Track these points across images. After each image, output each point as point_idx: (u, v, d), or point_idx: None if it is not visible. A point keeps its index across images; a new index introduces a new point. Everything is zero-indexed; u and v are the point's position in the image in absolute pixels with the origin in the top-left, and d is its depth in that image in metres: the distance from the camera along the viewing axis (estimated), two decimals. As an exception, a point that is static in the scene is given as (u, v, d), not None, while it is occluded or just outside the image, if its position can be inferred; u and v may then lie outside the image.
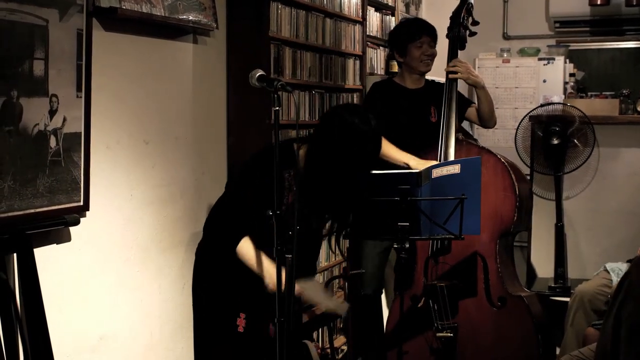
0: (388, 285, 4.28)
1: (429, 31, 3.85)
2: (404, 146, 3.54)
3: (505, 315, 3.41)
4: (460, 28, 3.70)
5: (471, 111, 3.88)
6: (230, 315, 2.75)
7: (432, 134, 3.82)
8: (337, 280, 4.27)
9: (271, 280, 2.59)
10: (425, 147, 3.63)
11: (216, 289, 2.79)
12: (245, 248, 2.67)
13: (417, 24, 4.04)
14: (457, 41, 3.71)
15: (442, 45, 3.81)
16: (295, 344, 3.10)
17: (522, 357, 3.42)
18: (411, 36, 3.81)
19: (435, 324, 3.36)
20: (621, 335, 2.53)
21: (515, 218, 3.43)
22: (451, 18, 3.74)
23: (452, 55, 3.70)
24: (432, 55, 3.84)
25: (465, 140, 3.64)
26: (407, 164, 3.42)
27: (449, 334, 3.33)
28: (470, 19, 3.75)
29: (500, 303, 3.42)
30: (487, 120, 3.86)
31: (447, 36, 3.75)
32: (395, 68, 4.71)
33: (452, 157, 3.50)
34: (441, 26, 3.86)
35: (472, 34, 3.77)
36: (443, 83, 3.99)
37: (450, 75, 3.66)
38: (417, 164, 3.42)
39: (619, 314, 2.55)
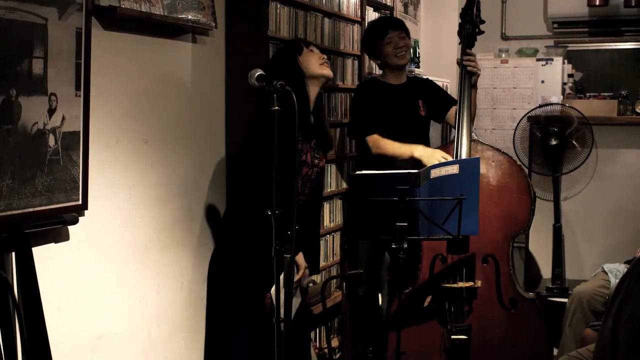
0: (384, 286, 4.27)
1: (394, 25, 3.86)
2: (397, 141, 3.57)
3: (515, 317, 3.41)
4: (473, 25, 3.68)
5: (453, 110, 3.81)
6: (259, 294, 2.92)
7: (423, 128, 3.82)
8: (334, 280, 4.26)
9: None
10: (418, 141, 3.63)
11: (244, 268, 2.99)
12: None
13: (381, 22, 4.05)
14: (468, 38, 3.69)
15: (455, 44, 3.77)
16: (301, 340, 3.17)
17: (529, 357, 3.42)
18: (378, 35, 3.82)
19: (450, 326, 3.33)
20: (620, 336, 2.53)
21: (530, 220, 3.44)
22: (461, 16, 3.73)
23: (464, 52, 3.67)
24: (406, 47, 3.83)
25: (479, 141, 3.63)
26: (412, 156, 3.42)
27: (463, 337, 3.30)
28: (478, 17, 3.75)
29: (511, 305, 3.41)
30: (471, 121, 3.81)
31: (459, 34, 3.74)
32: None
33: (465, 156, 3.48)
34: (441, 26, 3.86)
35: (481, 32, 3.76)
36: (424, 78, 3.98)
37: (468, 66, 3.61)
38: (423, 152, 3.43)
39: (618, 316, 2.55)
